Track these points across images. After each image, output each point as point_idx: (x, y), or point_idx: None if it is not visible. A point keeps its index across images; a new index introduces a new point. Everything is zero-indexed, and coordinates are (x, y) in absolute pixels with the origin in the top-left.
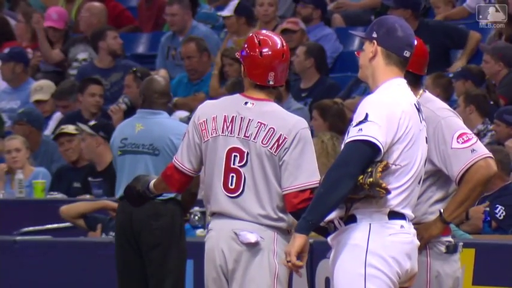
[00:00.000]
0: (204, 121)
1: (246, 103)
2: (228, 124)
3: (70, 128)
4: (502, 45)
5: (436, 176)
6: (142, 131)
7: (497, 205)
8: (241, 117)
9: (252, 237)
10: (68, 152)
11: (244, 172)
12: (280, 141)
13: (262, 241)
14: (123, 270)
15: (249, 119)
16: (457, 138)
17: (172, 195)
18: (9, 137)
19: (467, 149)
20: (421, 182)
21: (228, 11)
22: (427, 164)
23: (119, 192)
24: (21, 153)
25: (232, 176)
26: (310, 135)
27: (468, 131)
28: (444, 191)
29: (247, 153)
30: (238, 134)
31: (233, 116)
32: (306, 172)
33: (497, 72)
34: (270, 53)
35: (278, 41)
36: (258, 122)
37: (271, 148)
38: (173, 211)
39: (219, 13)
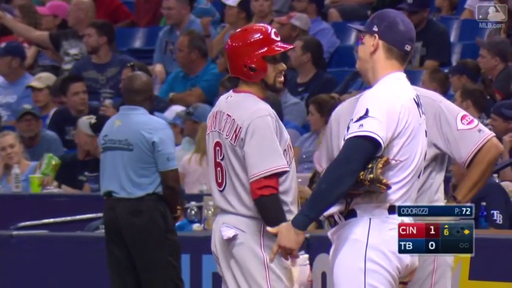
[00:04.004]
0: (208, 120)
1: (228, 97)
2: (214, 119)
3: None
4: (498, 40)
5: (434, 161)
6: (119, 126)
7: (492, 211)
8: (221, 112)
9: (229, 233)
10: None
11: (224, 165)
12: (237, 132)
13: (245, 234)
14: (113, 266)
15: (222, 112)
16: (461, 119)
17: (150, 190)
18: (2, 133)
19: (474, 129)
20: (421, 175)
21: (232, 2)
22: (428, 150)
23: (102, 189)
24: (15, 148)
25: (219, 170)
26: (267, 122)
27: (466, 112)
28: (442, 175)
29: (224, 147)
30: (217, 128)
31: (217, 111)
32: (261, 161)
33: (493, 67)
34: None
35: (236, 33)
36: (227, 114)
37: (231, 140)
38: (153, 206)
39: (223, 0)
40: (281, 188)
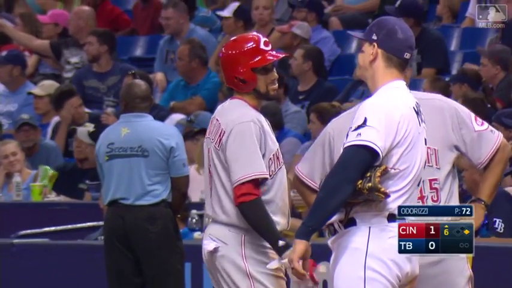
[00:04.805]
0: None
1: (223, 104)
2: (210, 126)
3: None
4: (499, 49)
5: (452, 165)
6: (128, 134)
7: (494, 219)
8: (214, 118)
9: (209, 246)
10: (79, 149)
11: (211, 171)
12: (222, 136)
13: (226, 246)
14: (114, 275)
15: (214, 118)
16: (475, 120)
17: (164, 197)
18: (3, 141)
19: (488, 130)
20: (421, 183)
21: (227, 12)
22: (450, 152)
23: (108, 197)
24: (17, 156)
25: (210, 177)
26: (249, 128)
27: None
28: (457, 180)
29: (211, 152)
30: (210, 135)
31: (212, 118)
32: (240, 167)
33: (494, 75)
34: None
35: (228, 42)
36: (216, 119)
37: (215, 144)
38: (166, 213)
39: (218, 12)
40: (263, 198)
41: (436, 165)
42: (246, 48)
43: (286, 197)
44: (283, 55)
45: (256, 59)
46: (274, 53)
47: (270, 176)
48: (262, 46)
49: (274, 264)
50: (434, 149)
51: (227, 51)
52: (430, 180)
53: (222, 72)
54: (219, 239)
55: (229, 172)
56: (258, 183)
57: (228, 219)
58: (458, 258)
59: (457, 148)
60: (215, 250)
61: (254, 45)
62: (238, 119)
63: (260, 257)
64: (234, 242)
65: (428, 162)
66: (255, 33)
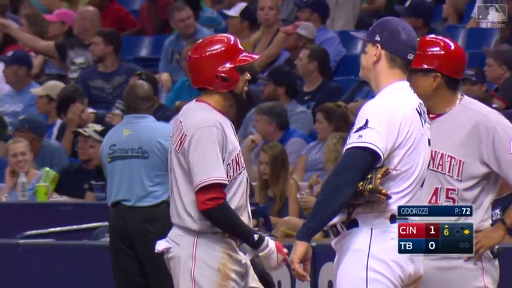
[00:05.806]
0: None
1: (188, 105)
2: (174, 127)
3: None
4: (505, 49)
5: (486, 179)
6: (129, 135)
7: None
8: (177, 119)
9: (160, 246)
10: (82, 151)
11: (170, 173)
12: (183, 139)
13: (178, 247)
14: (120, 276)
15: (177, 118)
16: None
17: (164, 198)
18: (13, 140)
19: None
20: (424, 184)
21: (234, 12)
22: (478, 166)
23: (111, 198)
24: (26, 156)
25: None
26: (211, 133)
27: None
28: (493, 193)
29: (170, 153)
30: (172, 135)
31: (176, 118)
32: (203, 170)
33: (500, 75)
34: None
35: (200, 43)
36: (180, 121)
37: (176, 146)
38: (167, 215)
39: (224, 11)
40: None
41: (457, 176)
42: (226, 47)
43: (244, 201)
44: (257, 56)
45: (238, 57)
46: (247, 54)
47: (228, 181)
48: (239, 46)
49: (246, 258)
50: (459, 160)
51: (204, 51)
52: (448, 189)
53: (192, 73)
54: (173, 240)
55: (187, 176)
56: (222, 187)
57: (181, 221)
58: (473, 268)
59: (487, 165)
60: (166, 251)
61: (232, 44)
62: (201, 123)
63: (210, 261)
64: (186, 244)
65: (449, 172)
66: (225, 34)
